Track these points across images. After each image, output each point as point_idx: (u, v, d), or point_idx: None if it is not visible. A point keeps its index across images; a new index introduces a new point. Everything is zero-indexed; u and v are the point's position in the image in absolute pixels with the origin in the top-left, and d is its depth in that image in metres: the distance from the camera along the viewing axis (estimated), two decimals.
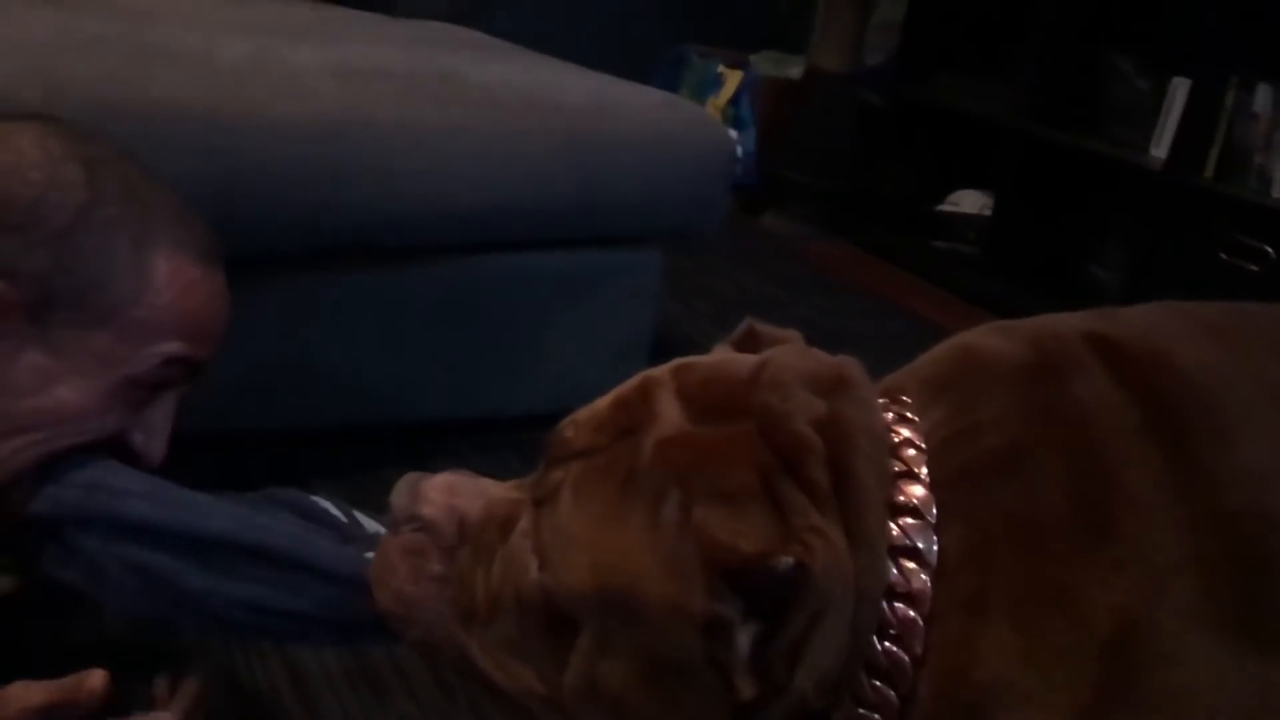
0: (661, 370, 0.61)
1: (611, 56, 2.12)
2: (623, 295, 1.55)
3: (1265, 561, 0.50)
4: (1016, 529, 0.53)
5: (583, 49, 1.97)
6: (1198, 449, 0.53)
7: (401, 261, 1.34)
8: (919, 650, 0.53)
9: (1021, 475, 0.53)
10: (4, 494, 0.78)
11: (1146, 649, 0.50)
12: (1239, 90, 2.35)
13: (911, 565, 0.53)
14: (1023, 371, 0.57)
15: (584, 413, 0.61)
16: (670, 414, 0.57)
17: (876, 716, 0.54)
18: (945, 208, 3.01)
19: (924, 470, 0.55)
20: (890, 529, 0.54)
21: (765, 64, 3.22)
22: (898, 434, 0.57)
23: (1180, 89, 2.48)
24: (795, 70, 3.14)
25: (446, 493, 0.66)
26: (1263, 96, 2.32)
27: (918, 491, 0.54)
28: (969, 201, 2.97)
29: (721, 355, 0.64)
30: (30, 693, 0.73)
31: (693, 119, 1.54)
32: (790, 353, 0.61)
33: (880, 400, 0.60)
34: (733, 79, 3.13)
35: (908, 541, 0.53)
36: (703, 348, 0.66)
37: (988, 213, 2.89)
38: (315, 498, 0.84)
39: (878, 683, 0.53)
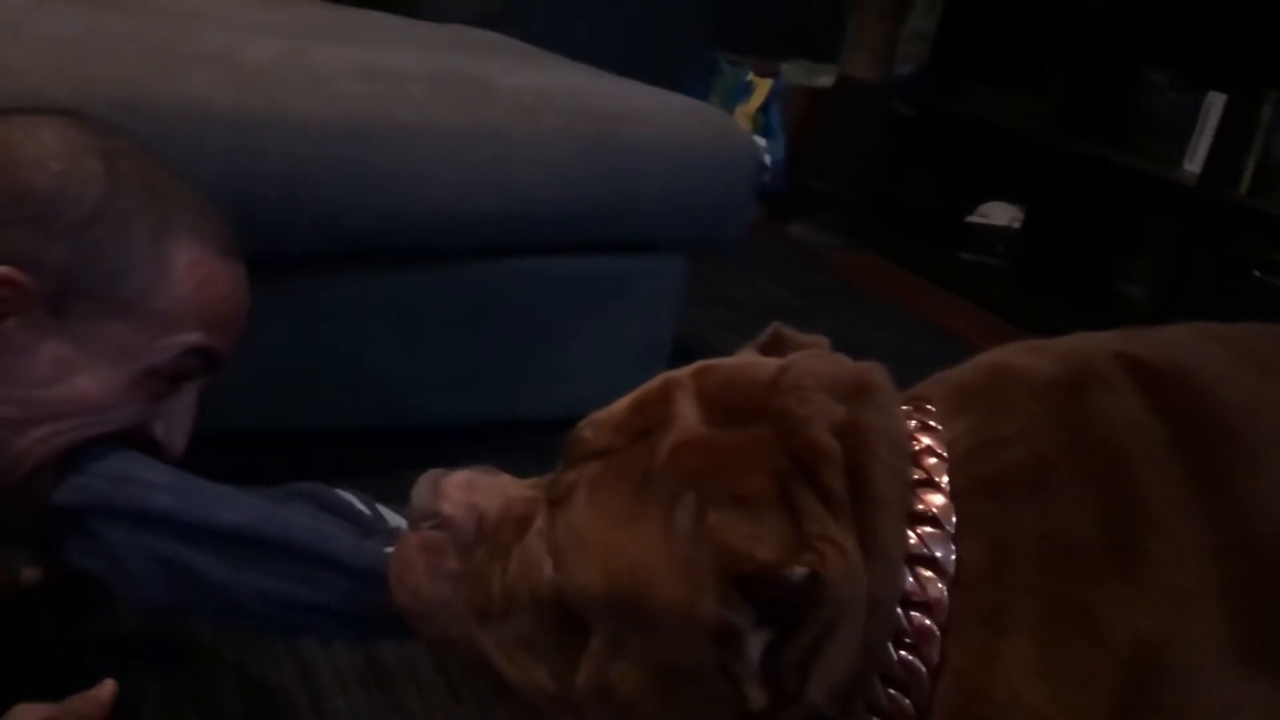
0: (682, 372, 0.60)
1: (642, 63, 2.12)
2: (644, 301, 1.54)
3: None
4: (1040, 545, 0.52)
5: (613, 55, 1.97)
6: (1226, 473, 0.52)
7: (423, 264, 1.34)
8: (935, 659, 0.52)
9: (1047, 491, 0.53)
10: (28, 484, 0.79)
11: (1167, 674, 0.49)
12: (1276, 105, 2.32)
13: (928, 574, 0.53)
14: (1051, 387, 0.57)
15: (603, 413, 0.61)
16: (688, 417, 0.56)
17: None
18: (974, 219, 2.99)
19: (945, 479, 0.55)
20: (908, 537, 0.53)
21: (796, 72, 3.22)
22: (919, 442, 0.56)
23: (1216, 103, 2.45)
24: (826, 79, 3.13)
25: (466, 490, 0.66)
26: None
27: (937, 500, 0.54)
28: (998, 214, 2.95)
29: (744, 358, 0.64)
30: (34, 714, 0.73)
31: (718, 126, 1.53)
32: (814, 357, 0.60)
33: (904, 408, 0.59)
34: (762, 87, 3.12)
35: (925, 551, 0.53)
36: (724, 356, 0.65)
37: (1017, 225, 2.87)
38: (339, 491, 0.84)
39: (893, 691, 0.53)
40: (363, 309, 1.34)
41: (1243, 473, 0.52)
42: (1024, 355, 0.60)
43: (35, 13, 1.09)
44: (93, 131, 0.82)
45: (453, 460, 0.69)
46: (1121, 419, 0.54)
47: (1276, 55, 2.33)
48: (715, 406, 0.57)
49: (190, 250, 0.82)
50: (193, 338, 0.82)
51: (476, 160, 1.29)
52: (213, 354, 0.85)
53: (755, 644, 0.50)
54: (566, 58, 1.71)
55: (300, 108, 1.15)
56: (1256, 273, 2.22)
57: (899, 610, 0.52)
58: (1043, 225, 2.75)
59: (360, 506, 0.83)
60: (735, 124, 1.61)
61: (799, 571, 0.48)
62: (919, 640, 0.52)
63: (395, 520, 0.81)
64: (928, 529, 0.53)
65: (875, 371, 0.60)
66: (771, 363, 0.60)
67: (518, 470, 0.68)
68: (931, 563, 0.53)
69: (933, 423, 0.57)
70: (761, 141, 3.08)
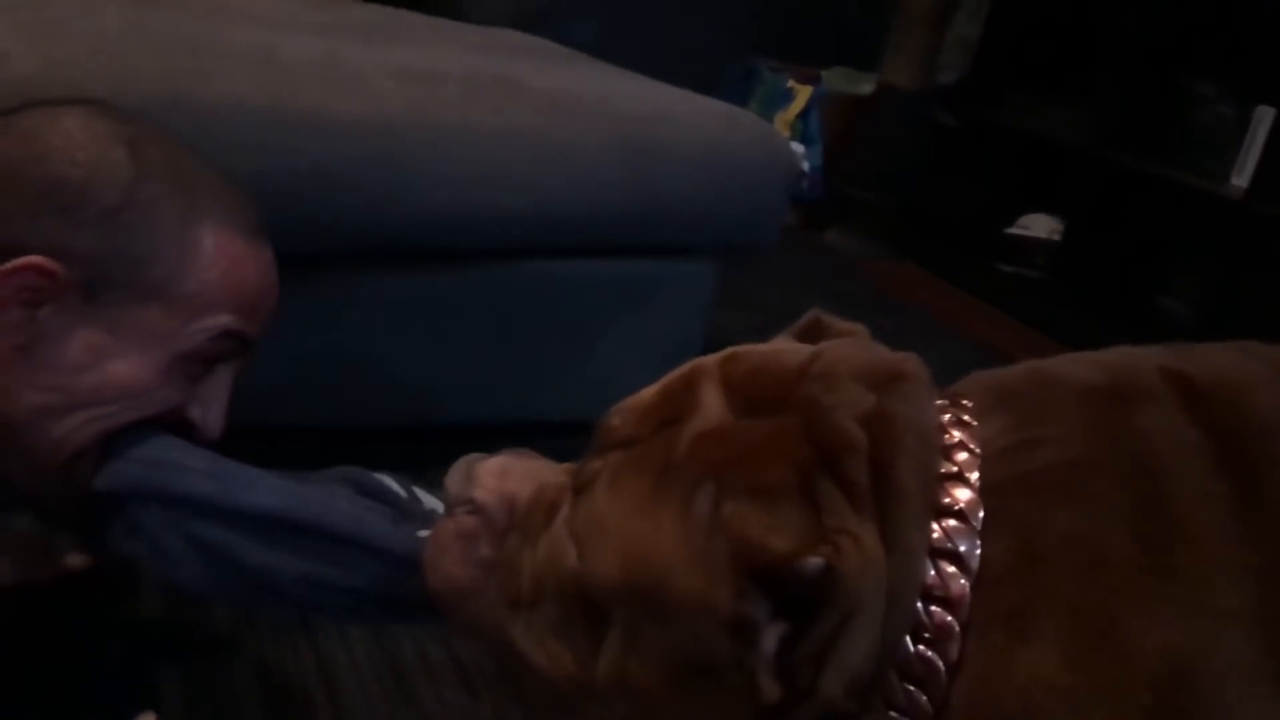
0: (711, 359, 0.60)
1: (682, 68, 2.12)
2: (674, 306, 1.54)
3: None
4: (1070, 551, 0.51)
5: (653, 60, 1.97)
6: (1266, 494, 0.50)
7: (453, 264, 1.35)
8: (954, 656, 0.51)
9: (1081, 496, 0.52)
10: (68, 470, 0.80)
11: (1195, 695, 0.48)
12: None
13: (951, 569, 0.52)
14: (1094, 394, 0.56)
15: (631, 401, 0.61)
16: (712, 406, 0.56)
17: None
18: (1014, 231, 2.95)
19: (975, 475, 0.53)
20: (931, 530, 0.52)
21: (837, 79, 3.20)
22: (951, 435, 0.55)
23: (1265, 117, 2.40)
24: (867, 87, 3.11)
25: (499, 476, 0.67)
26: None
27: (965, 495, 0.53)
28: (1038, 225, 2.91)
29: (777, 345, 0.63)
30: None
31: (752, 131, 1.53)
32: (847, 345, 0.60)
33: (939, 402, 0.58)
34: (802, 93, 3.11)
35: (949, 544, 0.52)
36: None
37: (1057, 238, 2.83)
38: (376, 475, 0.85)
39: (910, 686, 0.52)
40: (392, 308, 1.35)
41: None
42: (1067, 363, 0.59)
43: (79, 8, 1.11)
44: (117, 119, 0.83)
45: None
46: (1163, 432, 0.53)
47: None
48: (741, 395, 0.56)
49: (217, 234, 0.83)
50: (223, 321, 0.83)
51: (508, 161, 1.30)
52: (244, 336, 0.85)
53: (770, 636, 0.50)
54: (604, 62, 1.72)
55: (334, 106, 1.16)
56: None
57: (919, 604, 0.51)
58: (1083, 238, 2.71)
59: (397, 489, 0.83)
60: (769, 129, 1.60)
61: (814, 563, 0.48)
62: (938, 636, 0.51)
63: (431, 503, 0.82)
64: (953, 523, 0.52)
65: (910, 362, 0.59)
66: (804, 349, 0.59)
67: None
68: (955, 557, 0.52)
69: (967, 417, 0.56)
70: (800, 148, 3.06)
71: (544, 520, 0.62)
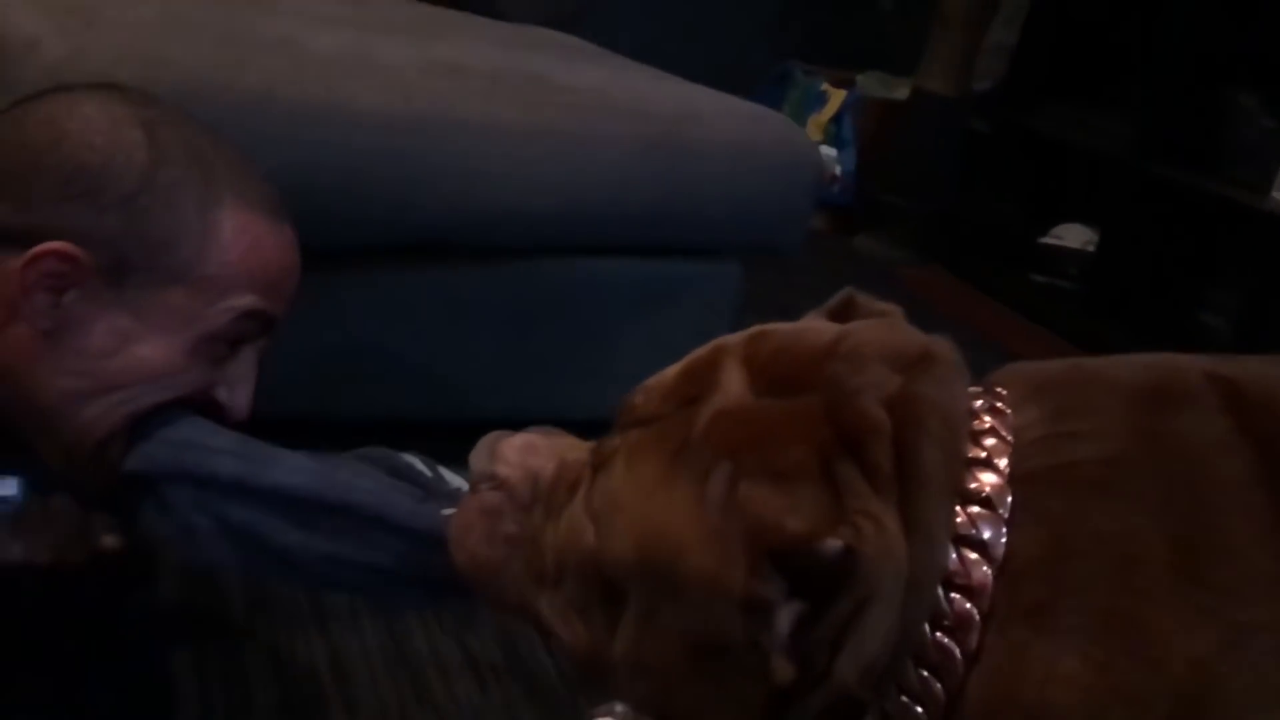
0: (736, 337, 0.59)
1: (716, 70, 2.11)
2: (698, 307, 1.53)
3: None
4: (1100, 548, 0.49)
5: (687, 61, 1.96)
6: None
7: (477, 260, 1.35)
8: (972, 645, 0.50)
9: (1117, 494, 0.50)
10: (100, 452, 0.81)
11: (1215, 709, 0.47)
12: None
13: (974, 556, 0.50)
14: (1136, 392, 0.54)
15: (654, 380, 0.60)
16: (733, 385, 0.55)
17: (919, 709, 0.51)
18: (1048, 241, 2.92)
19: (1004, 461, 0.52)
20: (955, 516, 0.51)
21: (871, 84, 3.18)
22: (982, 422, 0.54)
23: None
24: (902, 92, 3.08)
25: (524, 452, 0.67)
26: None
27: (992, 481, 0.52)
28: (1073, 236, 2.88)
29: (806, 323, 0.62)
30: None
31: (780, 132, 1.52)
32: (876, 326, 0.59)
33: (972, 389, 0.57)
34: (836, 97, 3.09)
35: (973, 532, 0.51)
36: None
37: (1092, 248, 2.79)
38: (402, 454, 0.85)
39: (925, 673, 0.51)
40: (417, 302, 1.35)
41: None
42: (1110, 361, 0.58)
43: None
44: (134, 103, 0.83)
45: None
46: (1206, 437, 0.51)
47: None
48: (765, 374, 0.55)
49: (237, 215, 0.83)
50: (245, 301, 0.83)
51: (534, 158, 1.30)
52: (268, 316, 0.86)
53: (785, 616, 0.49)
54: (637, 62, 1.71)
55: (361, 100, 1.17)
56: None
57: (939, 591, 0.50)
58: (1119, 249, 2.67)
59: (422, 468, 0.84)
60: (797, 130, 1.59)
61: (832, 545, 0.47)
62: (957, 624, 0.50)
63: (456, 482, 0.82)
64: (978, 509, 0.51)
65: (940, 344, 0.57)
66: (832, 329, 0.58)
67: None
68: (979, 545, 0.50)
69: (1000, 405, 0.55)
70: (832, 152, 3.05)
71: (567, 496, 0.61)
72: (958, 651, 0.50)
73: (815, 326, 0.60)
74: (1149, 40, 2.72)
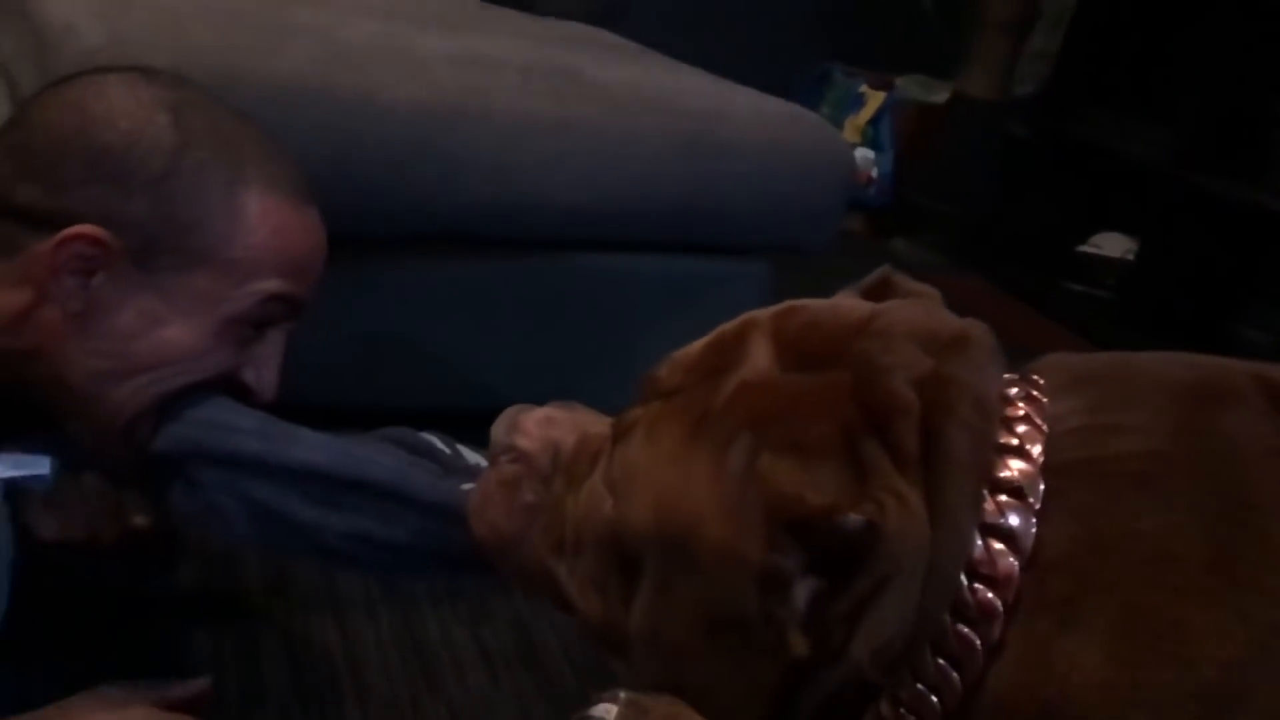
0: (765, 311, 0.59)
1: (754, 69, 2.09)
2: (725, 305, 1.50)
3: None
4: (1134, 544, 0.48)
5: (727, 60, 1.95)
6: None
7: (504, 252, 1.36)
8: (994, 637, 0.49)
9: (1155, 490, 0.49)
10: (129, 433, 0.82)
11: (1250, 714, 0.45)
12: None
13: (1000, 546, 0.49)
14: (1181, 389, 0.53)
15: (680, 352, 0.60)
16: (760, 358, 0.55)
17: (934, 699, 0.50)
18: (1085, 249, 2.88)
19: (1037, 450, 0.51)
20: (983, 503, 0.50)
21: (912, 87, 3.15)
22: (1016, 408, 0.53)
23: None
24: (941, 95, 3.06)
25: (544, 425, 0.68)
26: None
27: (1024, 469, 0.50)
28: (1111, 245, 2.83)
29: (838, 300, 0.61)
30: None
31: (812, 131, 1.51)
32: (910, 307, 0.58)
33: (1008, 375, 0.55)
34: (874, 99, 3.07)
35: (1001, 520, 0.49)
36: None
37: (1130, 258, 2.75)
38: (422, 433, 0.86)
39: (942, 662, 0.50)
40: (443, 294, 1.36)
41: None
42: (1154, 357, 0.57)
43: None
44: (161, 85, 0.84)
45: None
46: (1251, 438, 0.50)
47: None
48: (792, 350, 0.55)
49: (263, 199, 0.84)
50: (271, 285, 0.84)
51: (563, 152, 1.30)
52: (293, 299, 0.86)
53: (802, 590, 0.49)
54: (675, 59, 1.71)
55: (390, 90, 1.17)
56: None
57: (963, 579, 0.49)
58: (1158, 260, 2.62)
59: (441, 446, 0.85)
60: (828, 129, 1.58)
61: (854, 520, 0.46)
62: (979, 615, 0.49)
63: (475, 459, 0.83)
64: (1007, 498, 0.50)
65: (975, 327, 0.56)
66: (865, 307, 0.57)
67: None
68: (1007, 535, 0.49)
69: (1035, 393, 0.54)
70: (870, 154, 3.02)
71: (588, 468, 0.61)
72: (978, 643, 0.49)
73: (848, 304, 0.59)
74: (1193, 48, 2.67)
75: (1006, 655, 0.49)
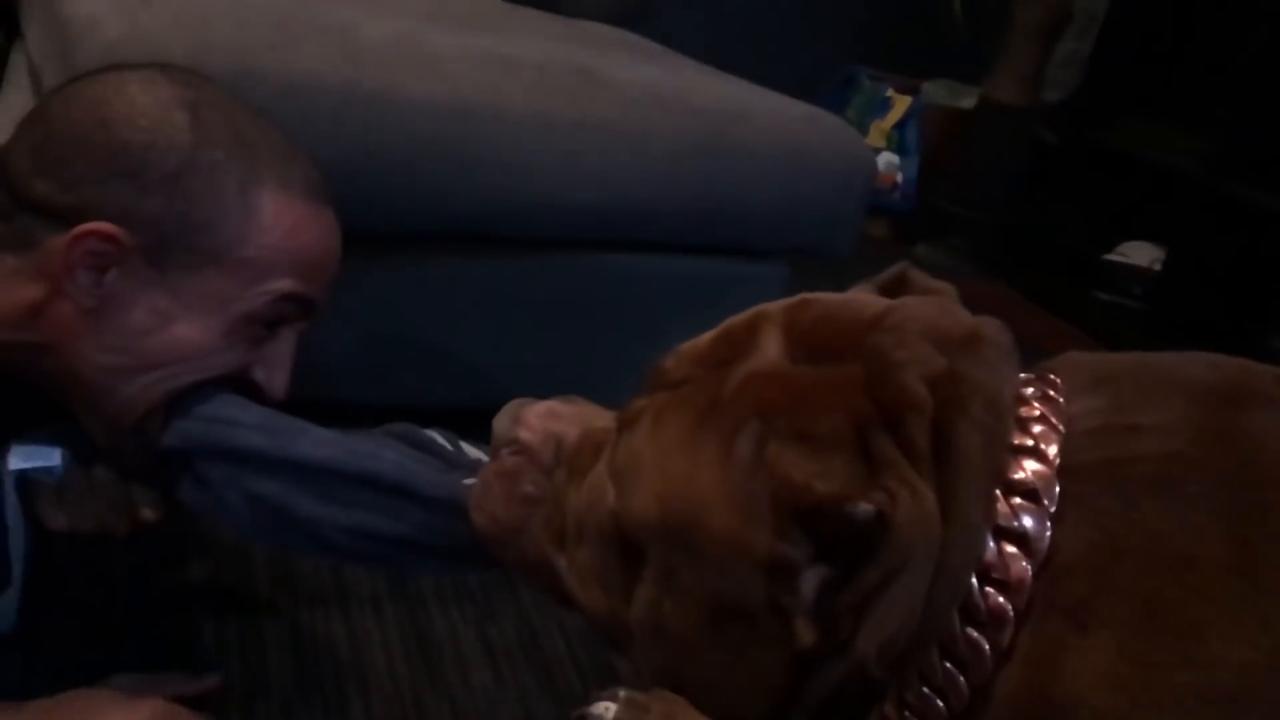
0: (778, 304, 0.58)
1: (781, 72, 2.08)
2: (742, 307, 1.48)
3: None
4: (1154, 546, 0.47)
5: (753, 63, 1.95)
6: None
7: (519, 251, 1.35)
8: (1004, 644, 0.48)
9: (1177, 491, 0.48)
10: (139, 428, 0.83)
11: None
12: None
13: (1013, 550, 0.48)
14: (1205, 390, 0.52)
15: (688, 344, 0.60)
16: (770, 350, 0.54)
17: (940, 703, 0.49)
18: (1113, 258, 2.85)
19: (1053, 451, 0.50)
20: (996, 504, 0.49)
21: (939, 91, 3.13)
22: (1031, 408, 0.52)
23: None
24: (969, 100, 3.03)
25: (547, 418, 0.67)
26: None
27: (1040, 472, 0.49)
28: (1139, 254, 2.80)
29: (853, 295, 0.61)
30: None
31: (832, 133, 1.50)
32: (926, 303, 0.57)
33: (1024, 374, 0.55)
34: (901, 103, 3.05)
35: (1015, 524, 0.49)
36: None
37: (1158, 267, 2.72)
38: (425, 430, 0.86)
39: (950, 666, 0.49)
40: (458, 292, 1.36)
41: None
42: (1177, 357, 0.56)
43: None
44: (180, 83, 0.84)
45: None
46: (1276, 438, 0.49)
47: None
48: (803, 343, 0.54)
49: (278, 199, 0.84)
50: (284, 285, 0.84)
51: (579, 151, 1.29)
52: (306, 299, 0.87)
53: (810, 579, 0.48)
54: (701, 61, 1.70)
55: (407, 87, 1.18)
56: None
57: (974, 583, 0.48)
58: (1186, 270, 2.59)
59: (443, 442, 0.85)
60: (849, 131, 1.57)
61: (864, 508, 0.45)
62: (990, 619, 0.48)
63: (478, 456, 0.83)
64: (1021, 501, 0.49)
65: (989, 325, 0.55)
66: (879, 302, 0.57)
67: None
68: (1020, 538, 0.48)
69: (1053, 393, 0.53)
70: (895, 159, 3.01)
71: (591, 459, 0.61)
72: (988, 648, 0.48)
73: (861, 299, 0.59)
74: (1226, 55, 2.63)
75: (1016, 661, 0.48)
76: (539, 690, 1.04)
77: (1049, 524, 0.49)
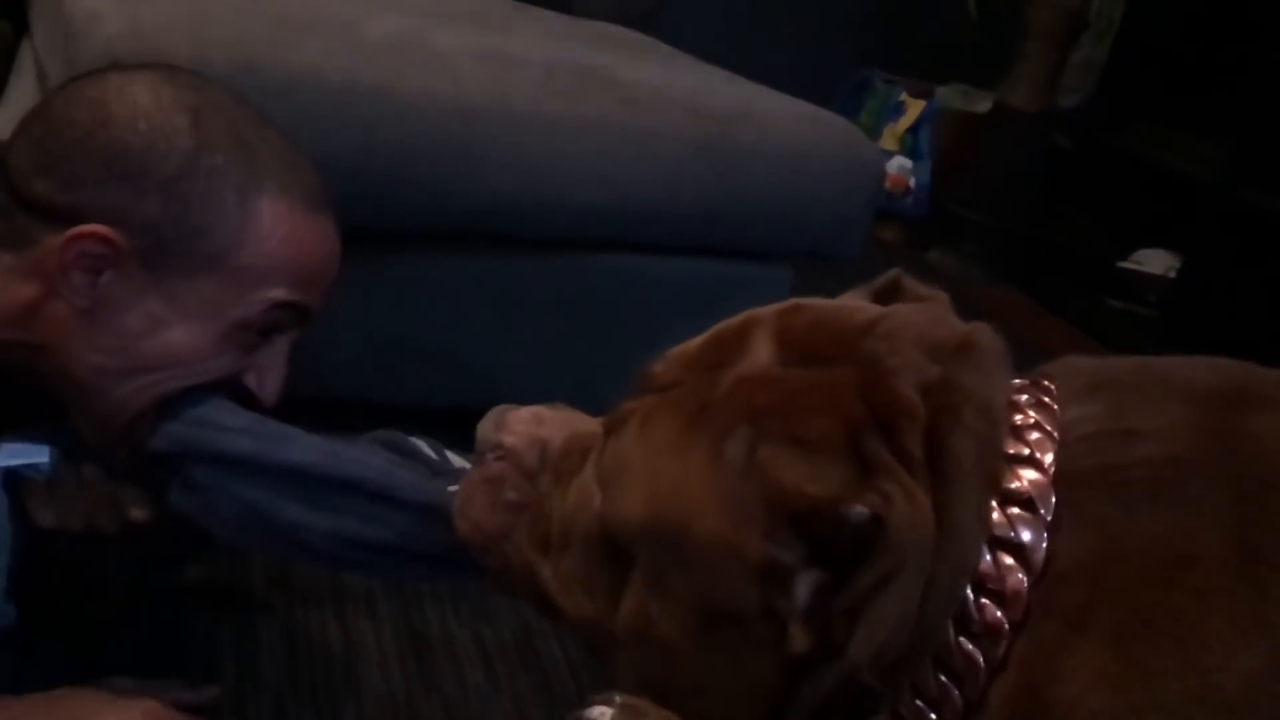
0: (769, 309, 0.58)
1: (793, 75, 2.08)
2: (747, 309, 1.51)
3: None
4: (1153, 549, 0.46)
5: (765, 65, 1.94)
6: None
7: (523, 250, 1.35)
8: (998, 656, 0.47)
9: (1176, 495, 0.47)
10: (130, 431, 0.83)
11: None
12: None
13: (1010, 561, 0.48)
14: (1205, 394, 0.51)
15: (678, 349, 0.59)
16: (761, 354, 0.54)
17: (934, 716, 0.49)
18: (1127, 265, 2.82)
19: (1049, 458, 0.49)
20: (991, 514, 0.48)
21: (953, 96, 3.11)
22: (1026, 416, 0.51)
23: None
24: (983, 105, 3.02)
25: (531, 423, 0.67)
26: None
27: (1036, 480, 0.49)
28: (1154, 261, 2.78)
29: (845, 301, 0.60)
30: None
31: (840, 136, 1.49)
32: (919, 310, 0.56)
33: (1018, 381, 0.54)
34: (914, 108, 3.04)
35: (1011, 534, 0.48)
36: None
37: (1173, 275, 2.69)
38: (411, 438, 0.86)
39: (944, 678, 0.48)
40: (461, 291, 1.35)
41: None
42: (1178, 361, 0.55)
43: None
44: (183, 86, 0.84)
45: None
46: (1278, 442, 0.48)
47: None
48: (794, 347, 0.54)
49: (276, 206, 0.83)
50: (279, 293, 0.84)
51: (583, 151, 1.29)
52: (301, 307, 0.86)
53: (804, 583, 0.48)
54: (712, 63, 1.69)
55: (410, 85, 1.17)
56: None
57: (969, 594, 0.48)
58: (1201, 278, 2.56)
59: (428, 451, 0.85)
60: (857, 134, 1.55)
61: (859, 511, 0.45)
62: (984, 631, 0.47)
63: (462, 464, 0.82)
64: (1017, 510, 0.48)
65: (980, 332, 0.55)
66: (871, 309, 0.56)
67: None
68: (1016, 549, 0.48)
69: (1048, 399, 0.52)
70: (908, 163, 2.99)
71: (577, 464, 0.60)
72: (982, 660, 0.47)
73: (854, 305, 0.58)
74: (1242, 61, 2.61)
75: (1011, 670, 0.47)
76: (534, 692, 1.03)
77: (1046, 534, 0.48)
